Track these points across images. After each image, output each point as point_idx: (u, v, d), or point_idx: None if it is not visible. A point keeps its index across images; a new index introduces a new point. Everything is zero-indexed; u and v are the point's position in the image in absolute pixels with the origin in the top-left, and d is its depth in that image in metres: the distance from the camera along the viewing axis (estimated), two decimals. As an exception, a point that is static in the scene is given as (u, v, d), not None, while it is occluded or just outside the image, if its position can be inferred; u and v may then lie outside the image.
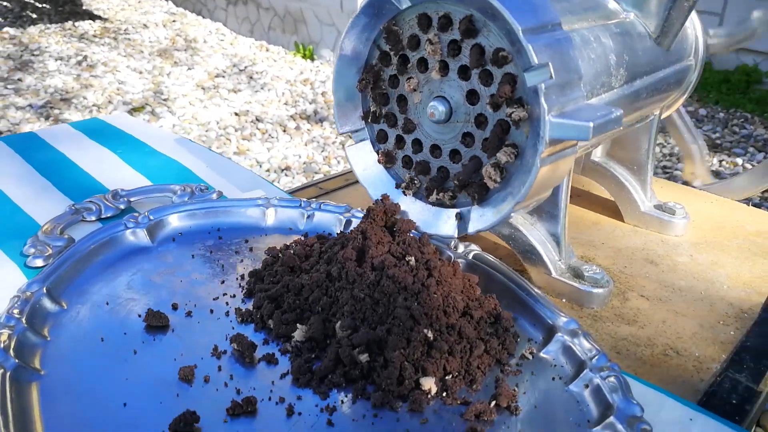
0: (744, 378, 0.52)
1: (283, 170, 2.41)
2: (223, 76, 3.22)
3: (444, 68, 0.51)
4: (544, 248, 0.61)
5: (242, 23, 3.82)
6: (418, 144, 0.55)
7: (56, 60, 3.22)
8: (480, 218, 0.52)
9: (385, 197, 0.56)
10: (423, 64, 0.52)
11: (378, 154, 0.57)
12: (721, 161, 2.36)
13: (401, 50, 0.53)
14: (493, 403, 0.47)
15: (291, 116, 2.82)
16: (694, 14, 0.70)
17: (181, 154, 0.78)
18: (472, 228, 0.52)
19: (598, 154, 0.75)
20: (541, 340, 0.53)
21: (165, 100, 2.93)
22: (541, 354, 0.52)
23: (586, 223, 0.75)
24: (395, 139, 0.56)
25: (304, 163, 2.45)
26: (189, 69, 3.28)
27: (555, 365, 0.51)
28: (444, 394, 0.48)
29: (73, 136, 0.82)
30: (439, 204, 0.55)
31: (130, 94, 2.94)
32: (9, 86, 2.89)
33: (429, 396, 0.47)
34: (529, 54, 0.44)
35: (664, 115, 0.76)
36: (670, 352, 0.54)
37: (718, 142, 2.53)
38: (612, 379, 0.48)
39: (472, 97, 0.50)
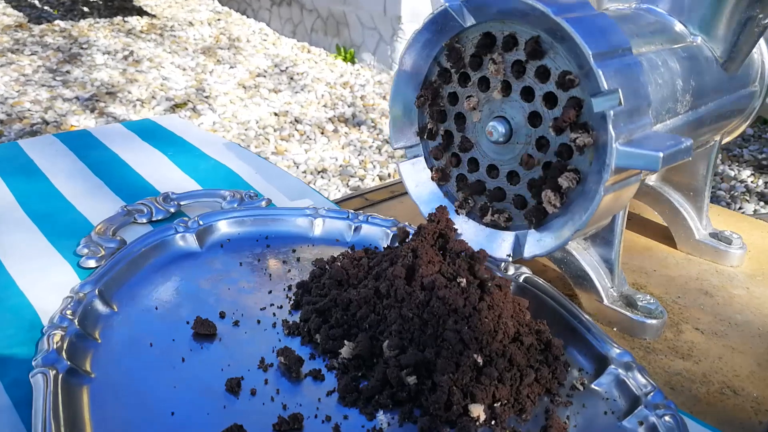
0: (805, 423, 0.50)
1: (319, 172, 2.42)
2: (265, 76, 3.25)
3: (506, 88, 0.50)
4: (596, 274, 0.59)
5: (285, 24, 3.85)
6: (474, 163, 0.54)
7: (104, 54, 3.29)
8: (537, 243, 0.51)
9: (440, 210, 0.55)
10: (484, 83, 0.51)
11: (432, 171, 0.56)
12: (767, 183, 2.30)
13: (462, 68, 0.52)
14: (544, 434, 0.46)
15: (329, 119, 2.83)
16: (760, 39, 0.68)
17: (230, 159, 0.78)
18: (527, 252, 0.51)
19: (653, 178, 0.73)
20: (593, 371, 0.51)
21: (206, 97, 2.96)
22: (593, 386, 0.50)
23: (638, 248, 0.74)
24: (450, 157, 0.55)
25: (341, 166, 2.46)
26: (231, 67, 3.31)
27: (607, 398, 0.49)
28: (493, 422, 0.47)
29: (125, 135, 0.83)
30: (494, 225, 0.54)
31: (173, 90, 2.98)
32: (57, 78, 2.95)
33: (477, 423, 0.46)
34: (599, 79, 0.43)
35: (724, 141, 0.74)
36: (727, 390, 0.53)
37: (765, 162, 2.47)
38: (668, 417, 0.46)
39: (534, 119, 0.49)
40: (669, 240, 0.74)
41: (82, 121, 2.60)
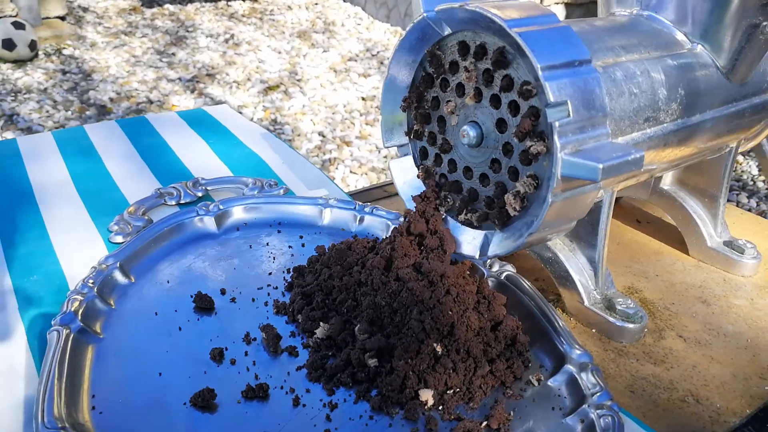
0: (763, 438, 0.50)
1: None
2: (356, 60, 3.33)
3: (478, 95, 0.53)
4: (580, 276, 0.61)
5: (380, 8, 3.91)
6: (453, 164, 0.57)
7: (207, 37, 3.49)
8: (499, 243, 0.53)
9: (422, 199, 0.58)
10: (461, 89, 0.54)
11: (419, 170, 0.60)
12: None
13: (443, 74, 0.55)
14: (485, 423, 0.49)
15: (413, 104, 2.86)
16: (784, 44, 0.65)
17: (262, 149, 0.85)
18: (491, 251, 0.54)
19: (667, 182, 0.73)
20: (552, 369, 0.54)
21: (298, 80, 3.08)
22: (548, 383, 0.53)
23: (647, 252, 0.73)
24: (434, 157, 0.58)
25: (419, 152, 2.49)
26: (324, 51, 3.42)
27: (558, 396, 0.52)
28: (440, 407, 0.50)
29: (176, 123, 0.92)
30: (467, 224, 0.56)
31: (267, 72, 3.12)
32: (164, 60, 3.17)
33: (425, 407, 0.50)
34: (546, 91, 0.45)
35: (745, 147, 0.72)
36: (690, 399, 0.53)
37: None
38: (608, 418, 0.48)
39: (501, 125, 0.52)
40: (683, 246, 0.73)
41: (183, 101, 2.78)
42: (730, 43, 0.58)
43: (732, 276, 0.69)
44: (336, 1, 4.23)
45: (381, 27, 3.80)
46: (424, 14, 0.53)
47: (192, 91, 2.90)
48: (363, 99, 2.96)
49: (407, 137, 0.60)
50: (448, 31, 0.53)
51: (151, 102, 2.74)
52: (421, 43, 0.55)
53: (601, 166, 0.44)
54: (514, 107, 0.50)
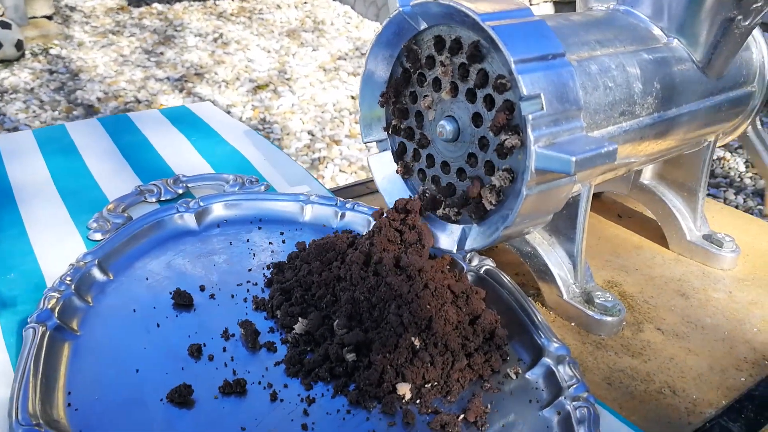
0: (737, 428, 0.50)
1: (388, 155, 2.47)
2: (345, 59, 3.33)
3: (454, 89, 0.53)
4: (558, 269, 0.61)
5: (369, 7, 3.90)
6: (431, 159, 0.57)
7: (195, 36, 3.47)
8: (475, 238, 0.53)
9: (403, 202, 0.58)
10: (437, 84, 0.54)
11: (398, 165, 0.60)
12: None
13: (420, 68, 0.55)
14: (462, 416, 0.49)
15: (402, 102, 2.86)
16: (760, 38, 0.66)
17: (244, 145, 0.85)
18: (468, 245, 0.54)
19: (647, 176, 0.73)
20: (529, 362, 0.54)
21: (288, 79, 3.07)
22: (526, 376, 0.53)
23: (627, 246, 0.74)
24: (413, 152, 0.58)
25: (408, 150, 2.49)
26: (314, 50, 3.41)
27: (536, 388, 0.52)
28: (418, 401, 0.50)
29: (159, 121, 0.91)
30: (445, 218, 0.57)
31: (256, 72, 3.11)
32: (152, 59, 3.16)
33: (403, 401, 0.50)
34: (519, 84, 0.45)
35: (723, 141, 0.73)
36: (666, 390, 0.53)
37: None
38: (584, 409, 0.48)
39: (477, 119, 0.52)
40: (663, 240, 0.74)
41: (171, 100, 2.77)
42: (705, 38, 0.59)
43: (711, 269, 0.70)
44: (326, 0, 4.22)
45: (370, 26, 3.80)
46: (400, 9, 0.53)
47: (180, 91, 2.89)
48: (352, 98, 2.95)
49: (386, 132, 0.60)
50: (424, 25, 0.53)
51: (139, 101, 2.73)
52: (398, 37, 0.56)
53: (574, 158, 0.44)
54: (489, 101, 0.50)
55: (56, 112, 2.54)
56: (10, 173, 0.76)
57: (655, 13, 0.60)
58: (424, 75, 0.55)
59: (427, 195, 0.58)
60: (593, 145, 0.45)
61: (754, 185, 2.20)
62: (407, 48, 0.55)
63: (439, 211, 0.57)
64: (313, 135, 2.58)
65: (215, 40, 3.46)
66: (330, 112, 2.80)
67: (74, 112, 2.55)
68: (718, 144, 0.70)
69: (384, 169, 0.61)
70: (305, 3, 4.14)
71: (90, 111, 2.58)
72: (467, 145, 0.53)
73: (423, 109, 0.56)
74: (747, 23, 0.57)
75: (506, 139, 0.48)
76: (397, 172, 0.60)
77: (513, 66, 0.45)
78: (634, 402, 0.52)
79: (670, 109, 0.58)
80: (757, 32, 0.66)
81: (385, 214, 0.58)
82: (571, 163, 0.44)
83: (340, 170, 2.33)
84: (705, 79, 0.61)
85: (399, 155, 0.60)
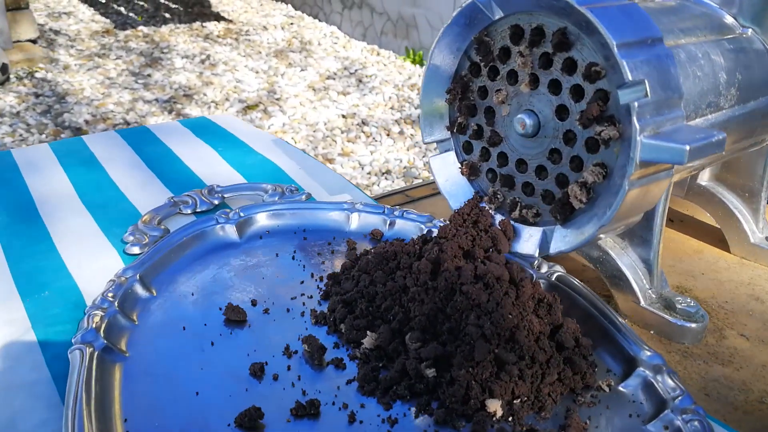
0: None
1: (383, 173, 2.44)
2: (334, 78, 3.31)
3: (534, 81, 0.49)
4: (633, 275, 0.57)
5: (356, 27, 3.90)
6: (503, 157, 0.53)
7: (182, 58, 3.43)
8: (563, 239, 0.50)
9: (470, 202, 0.54)
10: (513, 77, 0.51)
11: (462, 166, 0.56)
12: None
13: (491, 61, 0.52)
14: (562, 433, 0.45)
15: (396, 120, 2.84)
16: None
17: (275, 155, 0.81)
18: (553, 249, 0.50)
19: (705, 178, 0.70)
20: (621, 373, 0.50)
21: (277, 99, 3.04)
22: (620, 388, 0.49)
23: (687, 251, 0.71)
24: (480, 152, 0.55)
25: (405, 167, 2.47)
26: (302, 70, 3.39)
27: (633, 401, 0.48)
28: (510, 418, 0.46)
29: (181, 132, 0.87)
30: (522, 221, 0.53)
31: (246, 92, 3.07)
32: (139, 81, 3.11)
33: (494, 419, 0.46)
34: (623, 70, 0.42)
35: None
36: (767, 400, 0.50)
37: None
38: (696, 423, 0.44)
39: (561, 112, 0.48)
40: (722, 243, 0.71)
41: (160, 122, 2.72)
42: (781, 28, 0.56)
43: (779, 272, 0.67)
44: (311, 20, 4.22)
45: (358, 45, 3.79)
46: (474, -3, 0.50)
47: (170, 112, 2.84)
48: (344, 116, 2.93)
49: (449, 131, 0.57)
50: (499, 14, 0.50)
51: (128, 123, 2.68)
52: (468, 29, 0.52)
53: (687, 147, 0.40)
54: (577, 92, 0.47)
55: (43, 135, 2.47)
56: (31, 187, 0.71)
57: (727, 3, 0.57)
58: (496, 68, 0.52)
59: (498, 197, 0.54)
60: (702, 134, 0.42)
61: None
62: (478, 40, 0.52)
63: (515, 213, 0.53)
64: (305, 154, 2.55)
65: (203, 61, 3.42)
66: (322, 131, 2.77)
67: (62, 135, 2.48)
68: (779, 142, 0.68)
69: (447, 171, 0.57)
70: (291, 24, 4.13)
71: (78, 133, 2.52)
72: (549, 140, 0.50)
73: (495, 104, 0.52)
74: (825, 12, 0.55)
75: (603, 131, 0.45)
76: (462, 173, 0.56)
77: (615, 50, 0.42)
78: (738, 413, 0.48)
79: (749, 102, 0.56)
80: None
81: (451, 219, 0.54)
82: (685, 153, 0.40)
83: (338, 189, 2.28)
84: (779, 72, 0.58)
85: (463, 155, 0.56)
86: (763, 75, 0.57)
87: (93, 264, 0.59)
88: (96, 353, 0.48)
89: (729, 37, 0.55)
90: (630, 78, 0.42)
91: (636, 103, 0.42)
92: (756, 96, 0.56)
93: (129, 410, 0.45)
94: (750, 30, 0.57)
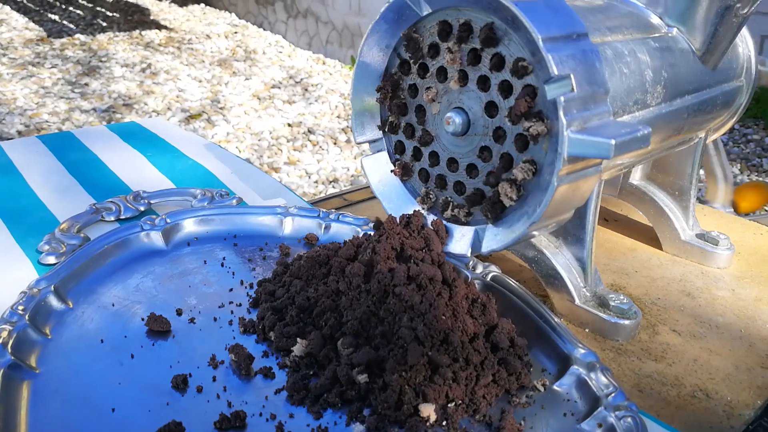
0: (781, 429, 0.47)
1: (331, 182, 2.42)
2: (279, 87, 3.27)
3: (463, 78, 0.49)
4: (568, 273, 0.57)
5: (301, 36, 3.88)
6: (435, 157, 0.52)
7: (122, 66, 3.34)
8: (494, 238, 0.49)
9: (406, 218, 0.53)
10: (442, 74, 0.50)
11: (394, 166, 0.55)
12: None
13: (421, 58, 0.51)
14: (496, 436, 0.44)
15: (342, 129, 2.83)
16: (746, 33, 0.65)
17: (207, 159, 0.78)
18: (485, 247, 0.50)
19: (636, 177, 0.71)
20: (556, 372, 0.49)
21: (221, 108, 2.99)
22: (554, 387, 0.48)
23: (621, 249, 0.71)
24: (412, 151, 0.54)
25: (352, 175, 2.45)
26: (246, 79, 3.34)
27: (568, 400, 0.47)
28: (444, 422, 0.45)
29: (107, 137, 0.83)
30: (454, 220, 0.52)
31: (188, 101, 3.01)
32: (76, 90, 3.01)
33: (428, 423, 0.44)
34: (549, 64, 0.41)
35: (710, 138, 0.72)
36: (699, 394, 0.50)
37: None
38: (629, 419, 0.44)
39: (491, 109, 0.48)
40: (655, 241, 0.72)
41: (97, 131, 2.63)
42: (703, 26, 0.57)
43: (708, 268, 0.68)
44: (256, 29, 4.18)
45: (303, 54, 3.77)
46: (400, -7, 0.49)
47: (109, 122, 2.75)
48: (289, 125, 2.90)
49: (381, 131, 0.56)
50: (427, 10, 0.49)
51: (63, 133, 2.58)
52: (397, 25, 0.51)
53: (613, 141, 0.40)
54: (505, 88, 0.46)
55: (-29, 146, 2.36)
56: (-63, 195, 0.66)
57: (653, 2, 0.58)
58: (426, 65, 0.51)
59: (430, 197, 0.53)
60: (627, 129, 0.42)
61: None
62: (407, 36, 0.51)
63: (447, 213, 0.52)
64: (250, 163, 2.51)
65: (143, 70, 3.34)
66: (267, 140, 2.74)
67: (-8, 146, 2.38)
68: (706, 141, 0.69)
69: (379, 172, 0.56)
70: (235, 33, 4.07)
71: (9, 144, 2.41)
72: (479, 137, 0.49)
73: (425, 102, 0.51)
74: (744, 11, 0.56)
75: (531, 127, 0.44)
76: (394, 173, 0.55)
77: (541, 44, 0.41)
78: (671, 408, 0.48)
79: (675, 100, 0.56)
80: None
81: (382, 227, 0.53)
82: (611, 147, 0.40)
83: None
84: (704, 70, 0.59)
85: (396, 155, 0.55)
86: (689, 73, 0.58)
87: (4, 276, 0.55)
88: (1, 370, 0.44)
89: (655, 35, 0.56)
90: (556, 72, 0.41)
91: (563, 98, 0.41)
92: (682, 94, 0.57)
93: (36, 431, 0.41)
94: (675, 29, 0.58)
